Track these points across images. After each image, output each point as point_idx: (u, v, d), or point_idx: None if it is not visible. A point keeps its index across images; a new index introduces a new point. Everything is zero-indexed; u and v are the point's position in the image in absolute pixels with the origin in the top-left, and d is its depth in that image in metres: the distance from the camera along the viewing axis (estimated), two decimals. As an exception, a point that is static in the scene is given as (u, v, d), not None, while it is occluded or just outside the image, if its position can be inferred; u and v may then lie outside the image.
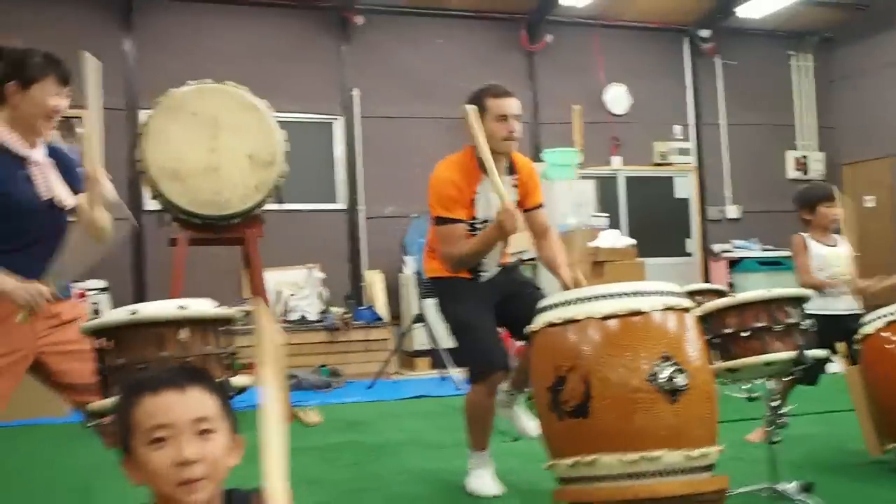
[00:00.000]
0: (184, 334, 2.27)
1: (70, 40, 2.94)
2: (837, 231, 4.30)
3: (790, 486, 3.09)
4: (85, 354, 2.67)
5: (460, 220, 3.38)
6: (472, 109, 3.27)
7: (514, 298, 3.46)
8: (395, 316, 8.59)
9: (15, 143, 2.70)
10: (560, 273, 3.38)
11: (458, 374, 6.94)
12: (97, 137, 2.76)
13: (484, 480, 3.45)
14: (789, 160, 10.51)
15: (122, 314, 2.27)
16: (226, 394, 1.58)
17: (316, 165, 8.91)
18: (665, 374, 2.57)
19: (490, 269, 3.53)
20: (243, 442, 1.58)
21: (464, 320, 3.44)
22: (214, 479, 1.50)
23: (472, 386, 3.43)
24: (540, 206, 3.57)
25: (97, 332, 2.37)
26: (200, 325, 2.33)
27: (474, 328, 3.40)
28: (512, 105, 3.38)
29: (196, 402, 1.49)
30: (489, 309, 3.44)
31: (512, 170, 3.51)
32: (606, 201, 9.39)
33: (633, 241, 8.17)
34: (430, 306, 7.42)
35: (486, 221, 3.41)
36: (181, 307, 2.28)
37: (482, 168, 3.31)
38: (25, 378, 2.76)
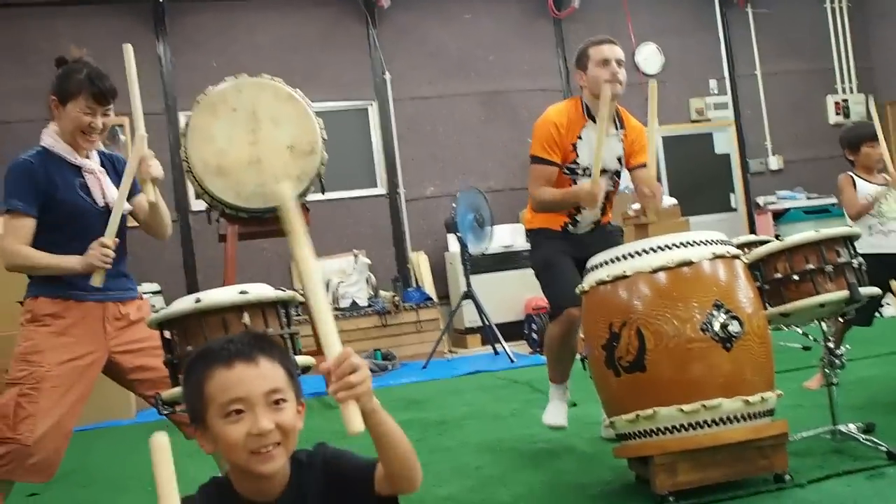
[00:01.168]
0: (247, 318, 2.35)
1: (106, 49, 3.02)
2: (883, 170, 4.26)
3: (852, 427, 3.09)
4: (156, 350, 2.79)
5: (553, 163, 3.51)
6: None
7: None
8: (443, 295, 8.65)
9: (69, 152, 2.81)
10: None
11: (510, 347, 7.00)
12: (142, 120, 2.83)
13: (555, 411, 3.65)
14: (829, 105, 10.33)
15: (187, 303, 2.35)
16: (290, 360, 1.64)
17: (354, 152, 8.98)
18: (718, 322, 2.60)
19: (583, 224, 3.63)
20: (305, 406, 1.64)
21: (545, 261, 3.61)
22: (287, 447, 1.56)
23: (551, 322, 3.59)
24: (643, 165, 3.62)
25: (163, 324, 2.46)
26: (261, 308, 2.40)
27: (552, 266, 3.55)
28: (614, 50, 3.52)
29: (268, 374, 1.55)
30: (571, 257, 3.54)
31: (621, 124, 3.63)
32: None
33: (675, 201, 8.12)
34: (478, 283, 7.49)
35: (586, 169, 3.51)
36: (242, 292, 2.35)
37: (589, 115, 3.51)
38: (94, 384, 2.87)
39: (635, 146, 3.64)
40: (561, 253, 3.56)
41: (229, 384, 1.52)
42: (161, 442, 1.35)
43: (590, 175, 3.44)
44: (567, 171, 3.54)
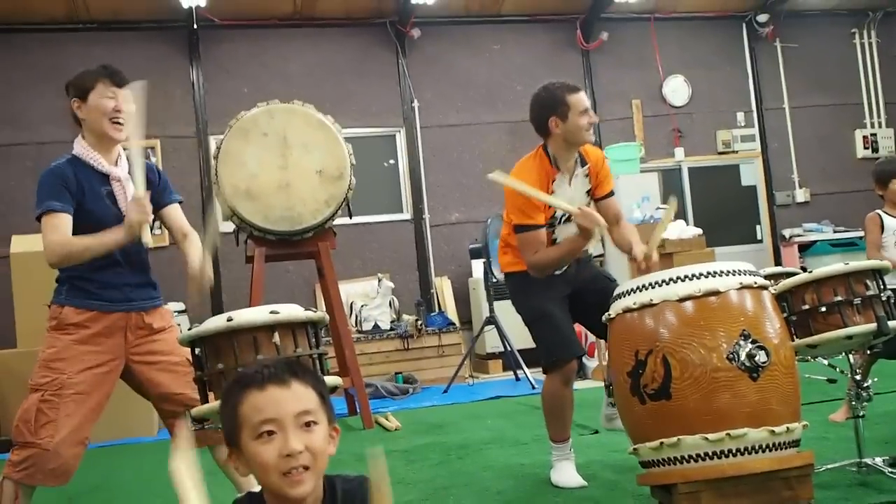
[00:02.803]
0: (277, 338, 2.39)
1: (141, 73, 3.10)
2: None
3: (878, 460, 3.07)
4: (174, 367, 2.84)
5: (539, 226, 3.41)
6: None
7: (588, 290, 3.51)
8: (466, 320, 8.68)
9: (98, 160, 2.88)
10: (633, 249, 3.40)
11: (532, 373, 6.99)
12: (139, 149, 2.90)
13: (567, 472, 3.49)
14: (858, 139, 10.30)
15: (219, 322, 2.40)
16: (323, 385, 1.67)
17: (381, 178, 9.08)
18: (745, 351, 2.60)
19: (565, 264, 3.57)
20: (339, 431, 1.67)
21: (538, 311, 3.50)
22: (316, 471, 1.58)
23: (548, 376, 3.49)
24: (611, 193, 3.62)
25: (195, 342, 2.51)
26: (291, 328, 2.45)
27: (548, 317, 3.45)
28: (586, 98, 3.53)
29: (300, 396, 1.58)
30: (562, 300, 3.49)
31: (583, 161, 3.56)
32: (671, 192, 9.32)
33: (700, 231, 8.11)
34: (500, 309, 7.51)
35: (563, 217, 3.46)
36: (273, 311, 2.39)
37: (555, 165, 3.45)
38: (115, 400, 2.93)
39: (600, 176, 3.59)
40: (552, 300, 3.47)
41: (261, 405, 1.56)
42: (180, 466, 1.45)
43: (569, 220, 3.37)
44: (548, 226, 3.48)
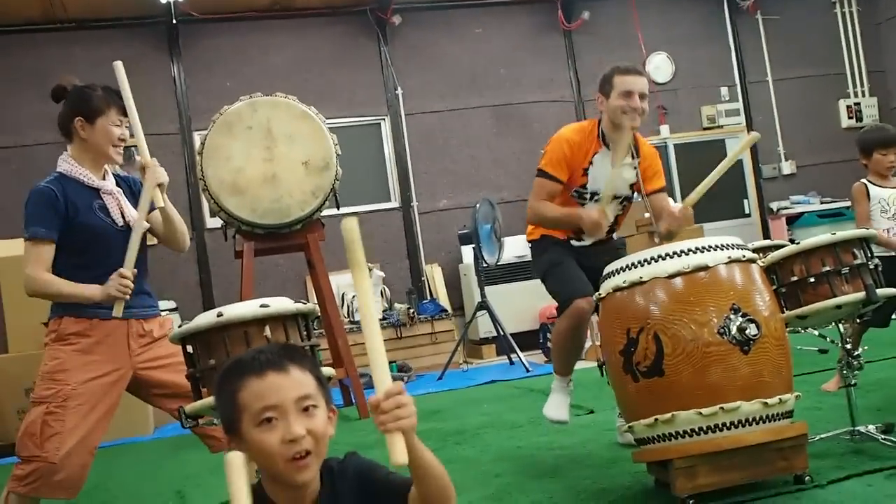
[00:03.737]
0: (268, 331, 2.38)
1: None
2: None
3: (871, 428, 3.09)
4: (179, 365, 2.83)
5: (559, 180, 3.51)
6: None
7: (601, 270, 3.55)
8: (458, 307, 8.69)
9: (87, 175, 2.87)
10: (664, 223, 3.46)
11: (525, 356, 7.01)
12: (141, 132, 2.91)
13: (557, 406, 3.57)
14: (842, 109, 10.32)
15: (209, 318, 2.38)
16: (319, 368, 1.68)
17: (368, 167, 9.05)
18: (735, 325, 2.61)
19: (588, 240, 3.63)
20: (337, 413, 1.68)
21: (551, 263, 3.59)
22: (319, 454, 1.59)
23: (559, 317, 3.55)
24: (661, 189, 3.65)
25: (185, 339, 2.50)
26: (282, 320, 2.44)
27: (558, 265, 3.54)
28: (638, 82, 3.51)
29: (299, 381, 1.59)
30: (576, 262, 3.55)
31: (635, 154, 3.60)
32: (658, 171, 9.34)
33: (689, 208, 8.10)
34: (492, 294, 7.52)
35: (595, 194, 3.53)
36: (263, 305, 2.39)
37: (603, 141, 3.51)
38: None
39: (648, 172, 3.63)
40: (566, 255, 3.56)
41: (262, 392, 1.56)
42: (235, 460, 1.47)
43: (597, 201, 3.46)
44: (575, 195, 3.55)
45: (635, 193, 3.67)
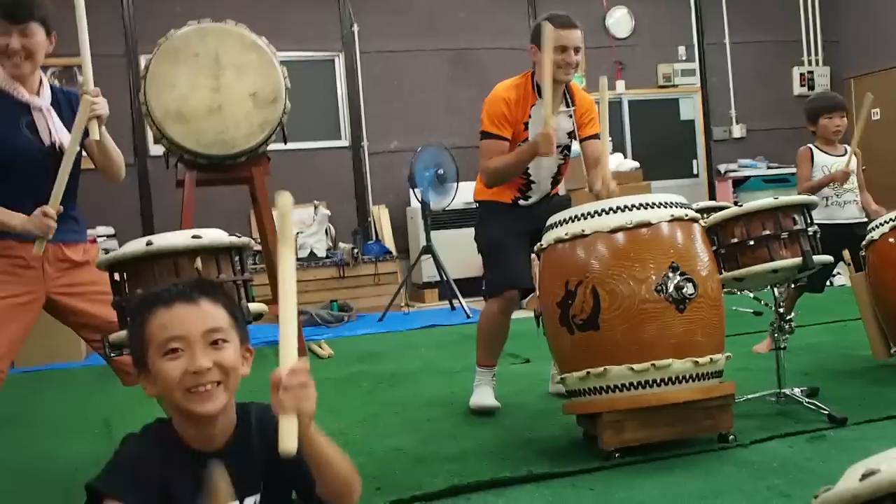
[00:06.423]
0: (199, 263, 2.31)
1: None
2: (847, 142, 4.31)
3: (797, 391, 3.15)
4: (99, 295, 2.73)
5: (504, 138, 3.47)
6: (548, 29, 3.25)
7: None
8: (403, 249, 8.64)
9: (16, 89, 2.70)
10: (594, 182, 3.37)
11: (467, 302, 7.02)
12: (88, 57, 2.72)
13: (484, 395, 3.55)
14: (795, 76, 10.40)
15: (137, 246, 2.31)
16: (236, 305, 1.63)
17: (319, 103, 8.87)
18: (673, 283, 2.62)
19: (534, 196, 3.60)
20: (253, 352, 1.63)
21: (492, 240, 3.56)
22: (227, 388, 1.55)
23: (488, 301, 3.54)
24: (595, 136, 3.60)
25: (113, 266, 2.42)
26: (214, 253, 2.37)
27: (500, 247, 3.51)
28: (572, 36, 3.43)
29: (208, 314, 1.55)
30: (522, 235, 3.50)
31: (569, 102, 3.58)
32: (611, 125, 9.31)
33: (637, 164, 8.15)
34: (438, 238, 7.49)
35: None
36: (196, 236, 2.31)
37: (538, 93, 3.43)
38: (42, 325, 2.81)
39: (584, 118, 3.61)
40: (510, 234, 3.50)
41: (168, 323, 1.53)
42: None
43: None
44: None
45: (573, 142, 3.64)
